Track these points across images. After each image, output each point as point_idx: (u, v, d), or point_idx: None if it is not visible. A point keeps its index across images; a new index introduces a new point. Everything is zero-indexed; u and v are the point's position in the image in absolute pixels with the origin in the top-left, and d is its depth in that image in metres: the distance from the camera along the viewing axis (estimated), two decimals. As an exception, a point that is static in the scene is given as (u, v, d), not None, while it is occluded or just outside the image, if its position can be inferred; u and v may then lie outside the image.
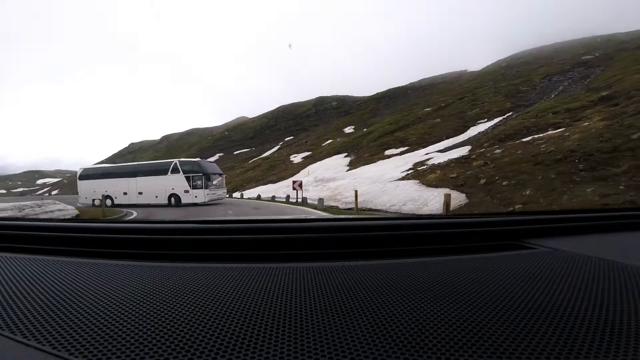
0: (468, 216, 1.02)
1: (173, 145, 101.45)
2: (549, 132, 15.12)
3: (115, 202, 18.60)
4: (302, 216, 2.87)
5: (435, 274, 0.49)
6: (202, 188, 16.34)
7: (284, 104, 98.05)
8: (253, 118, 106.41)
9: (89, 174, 20.72)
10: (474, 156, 15.42)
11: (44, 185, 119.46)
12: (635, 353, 0.30)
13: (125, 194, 18.53)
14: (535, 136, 15.08)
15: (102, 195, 16.68)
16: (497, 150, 14.61)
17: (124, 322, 0.36)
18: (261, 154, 66.03)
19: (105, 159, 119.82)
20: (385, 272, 0.51)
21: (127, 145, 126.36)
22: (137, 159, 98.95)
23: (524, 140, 15.24)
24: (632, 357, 0.30)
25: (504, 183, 10.49)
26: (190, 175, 16.73)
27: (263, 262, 0.57)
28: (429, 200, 11.37)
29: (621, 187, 7.99)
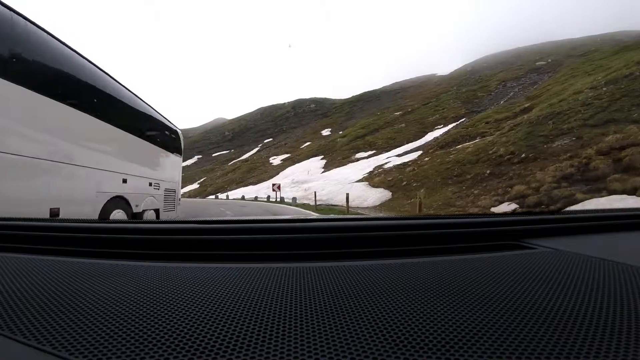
0: (468, 216, 1.04)
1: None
2: (465, 143, 18.67)
3: None
4: (302, 216, 2.96)
5: (435, 274, 0.49)
6: None
7: (263, 105, 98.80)
8: (231, 119, 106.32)
9: None
10: (410, 163, 19.69)
11: None
12: (636, 353, 0.30)
13: None
14: (459, 146, 18.75)
15: None
16: (426, 159, 18.88)
17: (124, 322, 0.36)
18: (240, 156, 66.33)
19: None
20: (385, 272, 0.51)
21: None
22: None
23: (450, 149, 18.82)
24: (632, 357, 0.29)
25: (414, 184, 15.56)
26: None
27: (263, 262, 0.57)
28: (369, 198, 15.41)
29: (463, 187, 13.08)
